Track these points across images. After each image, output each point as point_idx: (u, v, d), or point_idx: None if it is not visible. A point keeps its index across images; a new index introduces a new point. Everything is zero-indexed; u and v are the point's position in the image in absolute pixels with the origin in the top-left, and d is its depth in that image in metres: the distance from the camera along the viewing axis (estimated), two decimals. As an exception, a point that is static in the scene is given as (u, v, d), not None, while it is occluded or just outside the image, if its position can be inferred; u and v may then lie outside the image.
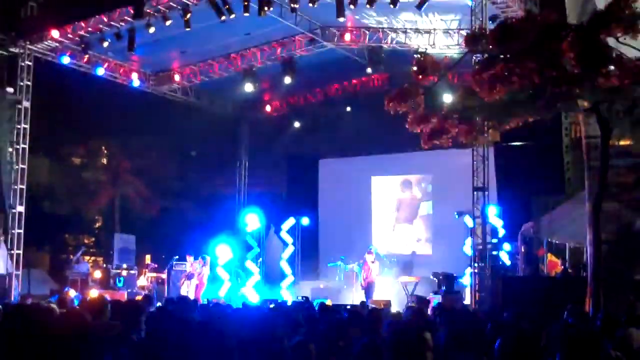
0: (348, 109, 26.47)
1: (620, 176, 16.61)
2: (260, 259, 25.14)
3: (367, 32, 21.84)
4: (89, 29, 20.79)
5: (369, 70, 22.89)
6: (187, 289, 22.48)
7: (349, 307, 14.97)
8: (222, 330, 6.48)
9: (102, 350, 6.05)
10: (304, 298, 19.20)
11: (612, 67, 11.50)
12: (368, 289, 22.54)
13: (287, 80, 22.94)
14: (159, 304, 18.80)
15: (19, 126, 21.39)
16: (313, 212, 27.83)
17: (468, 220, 19.36)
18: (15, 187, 21.16)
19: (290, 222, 26.49)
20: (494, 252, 18.88)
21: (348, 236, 26.54)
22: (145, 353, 6.13)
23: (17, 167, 21.27)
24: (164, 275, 24.35)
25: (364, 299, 20.01)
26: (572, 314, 10.06)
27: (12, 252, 20.76)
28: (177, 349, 6.16)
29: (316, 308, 12.57)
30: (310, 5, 18.62)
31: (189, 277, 22.83)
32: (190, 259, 23.17)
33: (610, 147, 13.70)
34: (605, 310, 10.00)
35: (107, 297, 15.71)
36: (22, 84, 21.38)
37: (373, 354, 5.34)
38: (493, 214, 19.91)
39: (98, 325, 6.60)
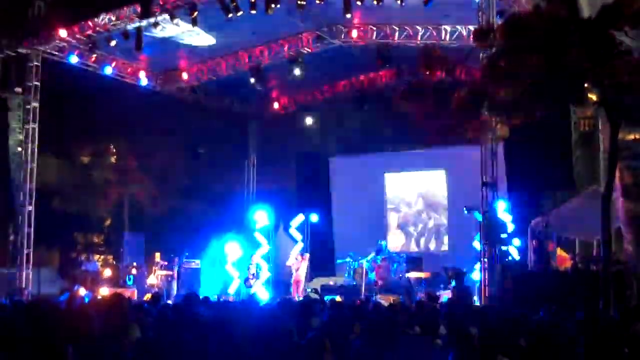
0: (357, 106, 26.45)
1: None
2: (270, 256, 25.17)
3: (374, 29, 21.81)
4: (97, 28, 20.85)
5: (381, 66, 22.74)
6: (253, 289, 22.77)
7: (358, 302, 14.93)
8: (231, 327, 6.49)
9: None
10: (314, 290, 19.29)
11: (620, 62, 11.47)
12: (382, 286, 22.86)
13: (297, 72, 22.79)
14: (169, 301, 18.97)
15: (27, 126, 21.49)
16: (323, 209, 27.83)
17: (478, 216, 19.32)
18: (25, 186, 21.24)
19: (300, 218, 26.49)
20: (504, 248, 18.80)
21: (363, 233, 26.51)
22: (155, 349, 6.14)
23: (26, 166, 21.35)
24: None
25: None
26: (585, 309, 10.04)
27: (23, 250, 20.85)
28: (187, 345, 6.17)
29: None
30: (317, 2, 18.63)
31: (254, 277, 23.12)
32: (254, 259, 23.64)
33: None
34: (621, 304, 9.95)
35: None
36: (30, 84, 21.45)
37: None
38: (502, 209, 19.85)
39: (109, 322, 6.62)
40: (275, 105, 28.16)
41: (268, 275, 24.66)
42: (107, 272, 24.47)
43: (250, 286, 23.04)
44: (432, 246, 26.92)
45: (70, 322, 6.67)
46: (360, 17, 21.33)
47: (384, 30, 21.73)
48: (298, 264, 23.69)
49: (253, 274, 23.25)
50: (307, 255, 24.40)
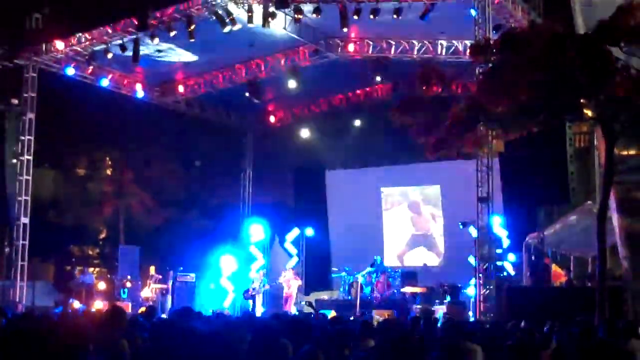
0: (353, 120, 26.51)
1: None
2: (265, 270, 25.10)
3: (371, 43, 21.85)
4: (94, 40, 20.89)
5: (378, 78, 22.82)
6: (253, 305, 22.66)
7: (352, 318, 14.88)
8: (226, 341, 6.46)
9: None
10: (308, 303, 19.19)
11: (617, 78, 11.50)
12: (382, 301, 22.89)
13: (292, 84, 22.73)
14: (163, 315, 18.89)
15: (23, 138, 21.42)
16: (319, 223, 27.79)
17: (473, 231, 19.30)
18: (20, 198, 21.18)
19: (295, 232, 26.44)
20: (499, 263, 18.77)
21: (359, 247, 26.42)
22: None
23: (21, 178, 21.29)
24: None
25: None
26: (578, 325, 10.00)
27: (17, 263, 20.77)
28: (181, 359, 6.14)
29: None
30: (314, 16, 18.65)
31: (255, 290, 23.12)
32: (256, 275, 23.58)
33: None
34: (610, 321, 9.92)
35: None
36: (26, 95, 21.42)
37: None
38: (497, 224, 19.84)
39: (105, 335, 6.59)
40: (272, 118, 28.10)
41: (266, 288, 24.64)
42: (102, 285, 24.37)
43: (250, 298, 22.92)
44: (428, 261, 26.88)
45: (63, 335, 6.63)
46: (357, 31, 21.38)
47: (380, 44, 21.77)
48: (290, 280, 23.58)
49: (254, 288, 23.14)
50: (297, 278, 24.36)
